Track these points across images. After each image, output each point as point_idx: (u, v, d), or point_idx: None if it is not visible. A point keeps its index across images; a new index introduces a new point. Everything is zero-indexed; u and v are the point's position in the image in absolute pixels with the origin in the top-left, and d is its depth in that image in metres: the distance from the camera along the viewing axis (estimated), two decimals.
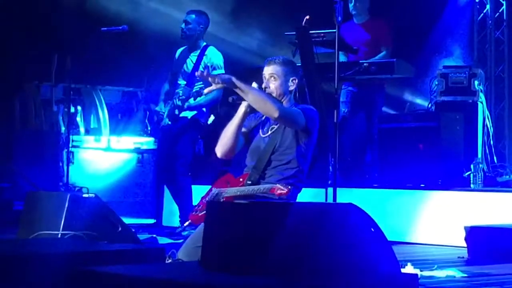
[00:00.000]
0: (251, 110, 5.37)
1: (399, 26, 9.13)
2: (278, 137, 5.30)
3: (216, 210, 3.79)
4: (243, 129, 5.45)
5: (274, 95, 5.33)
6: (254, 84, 5.36)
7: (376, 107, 8.81)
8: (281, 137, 5.30)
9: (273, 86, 5.35)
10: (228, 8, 10.46)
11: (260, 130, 5.40)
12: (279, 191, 4.98)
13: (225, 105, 7.76)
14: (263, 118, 5.44)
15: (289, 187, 5.04)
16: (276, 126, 5.35)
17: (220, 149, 5.43)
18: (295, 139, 5.30)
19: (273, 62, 5.45)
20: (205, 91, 5.86)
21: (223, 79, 5.12)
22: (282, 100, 5.37)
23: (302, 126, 5.24)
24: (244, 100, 5.26)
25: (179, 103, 7.76)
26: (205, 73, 5.32)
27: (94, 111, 10.12)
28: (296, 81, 5.46)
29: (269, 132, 5.35)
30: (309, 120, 5.30)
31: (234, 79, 5.12)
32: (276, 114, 5.11)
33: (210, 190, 5.28)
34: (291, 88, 5.41)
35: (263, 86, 5.36)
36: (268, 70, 5.42)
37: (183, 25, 7.92)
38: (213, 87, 5.23)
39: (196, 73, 5.77)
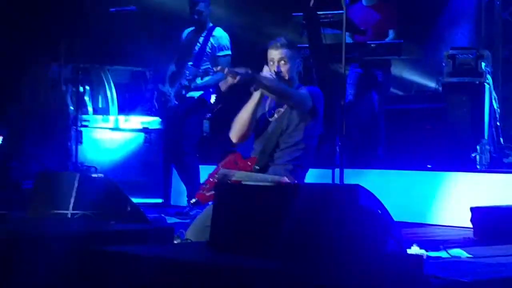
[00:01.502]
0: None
1: (408, 8, 9.11)
2: (285, 120, 5.34)
3: (224, 191, 3.81)
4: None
5: (286, 78, 5.36)
6: (266, 68, 5.40)
7: (382, 89, 8.79)
8: (288, 119, 5.34)
9: (284, 69, 5.37)
10: None
11: (267, 113, 5.42)
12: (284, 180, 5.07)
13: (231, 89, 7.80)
14: (268, 103, 5.47)
15: (295, 181, 5.15)
16: (282, 110, 5.38)
17: (235, 135, 5.45)
18: (302, 121, 5.33)
19: (281, 46, 5.44)
20: (216, 69, 5.82)
21: (243, 75, 5.11)
22: (292, 81, 5.41)
23: (310, 108, 5.29)
24: (257, 88, 5.31)
25: (186, 83, 7.78)
26: (225, 71, 5.31)
27: (102, 91, 10.14)
28: (301, 63, 5.52)
29: (276, 116, 5.38)
30: (316, 102, 5.35)
31: (254, 74, 5.17)
32: (292, 102, 5.23)
33: (218, 168, 5.29)
34: (298, 70, 5.48)
35: (273, 70, 5.38)
36: (277, 54, 5.42)
37: (194, 9, 7.86)
38: (230, 80, 5.21)
39: (215, 69, 5.71)
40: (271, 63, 5.39)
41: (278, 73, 5.35)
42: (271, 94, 5.24)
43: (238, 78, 5.12)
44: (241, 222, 3.39)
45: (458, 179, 7.55)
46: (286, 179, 5.09)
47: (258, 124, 5.45)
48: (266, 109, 5.45)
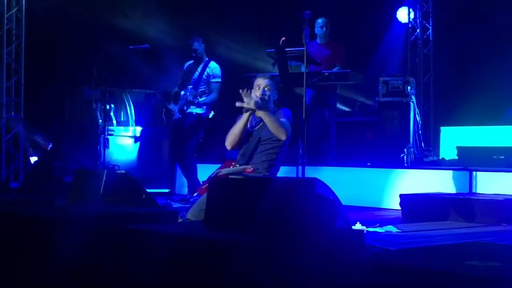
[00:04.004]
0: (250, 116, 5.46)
1: (352, 46, 9.15)
2: (263, 131, 5.38)
3: (215, 183, 3.82)
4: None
5: (266, 100, 5.42)
6: (253, 93, 5.43)
7: (331, 106, 8.81)
8: (265, 131, 5.37)
9: (267, 95, 5.43)
10: (224, 31, 10.51)
11: (249, 127, 5.45)
12: (248, 170, 5.26)
13: (221, 105, 7.82)
14: (256, 117, 5.47)
15: (256, 168, 5.27)
16: (260, 124, 5.42)
17: (229, 144, 5.53)
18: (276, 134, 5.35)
19: (267, 77, 5.57)
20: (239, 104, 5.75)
21: (257, 105, 5.24)
22: (270, 104, 5.46)
23: (287, 135, 5.34)
24: (248, 110, 5.33)
25: (189, 99, 7.77)
26: (250, 93, 5.35)
27: (124, 108, 10.12)
28: (277, 93, 5.58)
29: (256, 128, 5.44)
30: (290, 120, 5.41)
31: (262, 107, 5.28)
32: (283, 137, 5.29)
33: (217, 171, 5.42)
34: (275, 97, 5.53)
35: (259, 94, 5.42)
36: (264, 82, 5.49)
37: (191, 48, 7.88)
38: (245, 105, 5.27)
39: (239, 104, 5.48)
40: (257, 88, 5.44)
41: (262, 96, 5.39)
42: (269, 125, 5.26)
43: (252, 103, 5.24)
44: (228, 207, 3.38)
45: (391, 173, 7.60)
46: (249, 168, 5.27)
47: (248, 136, 5.49)
48: (248, 124, 5.47)
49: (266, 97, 5.41)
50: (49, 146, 9.75)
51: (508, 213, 5.98)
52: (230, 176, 4.84)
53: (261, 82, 5.50)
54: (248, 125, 5.47)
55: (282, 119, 5.34)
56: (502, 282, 2.06)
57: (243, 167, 5.33)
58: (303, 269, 2.87)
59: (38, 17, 9.84)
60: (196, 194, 5.44)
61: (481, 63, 9.94)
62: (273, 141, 5.36)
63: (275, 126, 5.24)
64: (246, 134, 5.46)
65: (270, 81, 5.51)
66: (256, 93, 5.40)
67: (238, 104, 5.38)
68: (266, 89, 5.44)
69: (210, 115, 7.88)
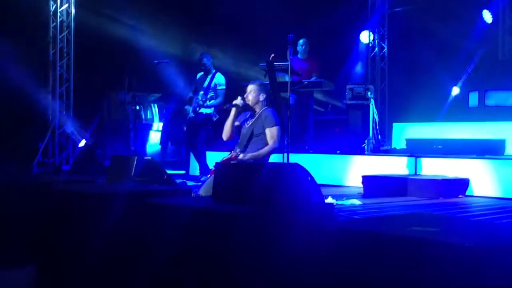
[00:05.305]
0: (238, 112, 5.45)
1: (326, 60, 9.16)
2: (254, 127, 5.37)
3: (220, 167, 3.82)
4: (236, 123, 5.49)
5: (251, 102, 5.38)
6: (239, 97, 5.44)
7: (309, 107, 8.80)
8: (256, 127, 5.36)
9: (251, 97, 5.40)
10: (228, 51, 10.50)
11: (246, 123, 5.46)
12: (233, 156, 5.23)
13: (223, 109, 7.79)
14: (247, 116, 5.48)
15: (237, 155, 5.21)
16: (251, 121, 5.41)
17: (224, 136, 5.55)
18: (265, 128, 5.36)
19: (251, 84, 5.52)
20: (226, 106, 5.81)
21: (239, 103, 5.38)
22: (256, 104, 5.40)
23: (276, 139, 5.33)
24: (234, 107, 5.32)
25: (200, 103, 7.75)
26: (239, 101, 5.43)
27: (149, 109, 10.11)
28: (264, 95, 5.49)
29: (249, 124, 5.43)
30: (278, 121, 5.40)
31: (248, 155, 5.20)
32: (275, 144, 5.27)
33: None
34: (261, 98, 5.45)
35: (245, 96, 5.41)
36: (249, 87, 5.48)
37: (201, 62, 7.83)
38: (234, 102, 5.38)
39: (225, 106, 5.71)
40: (246, 93, 5.42)
41: (244, 98, 5.41)
42: (259, 157, 5.21)
43: (239, 102, 5.33)
44: (231, 185, 3.37)
45: (355, 159, 7.60)
46: (234, 154, 5.24)
47: (240, 129, 5.49)
48: (235, 119, 5.48)
49: (250, 97, 5.39)
50: (90, 139, 9.74)
51: (444, 189, 6.02)
52: (231, 162, 4.85)
53: (248, 88, 5.50)
54: (236, 122, 5.45)
55: (271, 128, 5.27)
56: (437, 243, 2.08)
57: (230, 154, 5.33)
58: (288, 233, 2.86)
59: (83, 38, 9.90)
60: (208, 176, 5.42)
61: (425, 74, 10.01)
62: (262, 134, 5.34)
63: (264, 154, 5.20)
64: (239, 128, 5.45)
65: (255, 85, 5.47)
66: (249, 97, 5.41)
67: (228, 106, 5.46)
68: (251, 92, 5.42)
69: (215, 118, 7.85)
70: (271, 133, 5.27)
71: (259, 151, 5.24)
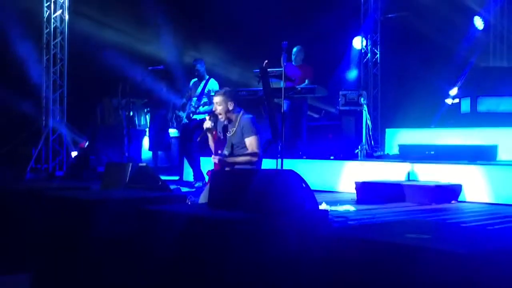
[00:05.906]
0: (214, 124, 5.19)
1: (320, 66, 9.18)
2: (234, 137, 5.19)
3: (215, 174, 3.80)
4: (218, 134, 5.29)
5: (221, 115, 5.12)
6: (207, 119, 5.18)
7: (302, 113, 8.80)
8: (235, 139, 5.18)
9: (219, 109, 5.14)
10: (223, 57, 10.52)
11: (227, 131, 5.27)
12: (215, 161, 5.04)
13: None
14: (225, 123, 5.26)
15: (220, 159, 5.00)
16: (232, 130, 5.18)
17: (211, 148, 5.36)
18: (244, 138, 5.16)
19: (216, 96, 5.20)
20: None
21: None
22: (228, 114, 5.13)
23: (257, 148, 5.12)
24: (207, 132, 5.15)
25: (192, 109, 7.75)
26: (210, 118, 5.17)
27: (143, 115, 10.10)
28: (232, 102, 5.11)
29: (230, 133, 5.23)
30: (257, 129, 5.17)
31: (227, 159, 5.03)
32: (256, 155, 5.03)
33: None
34: (230, 107, 5.13)
35: (213, 109, 5.16)
36: (214, 101, 5.20)
37: (195, 68, 7.82)
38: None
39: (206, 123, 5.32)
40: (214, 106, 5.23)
41: (214, 111, 5.12)
42: (242, 163, 5.04)
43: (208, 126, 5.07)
44: (226, 192, 3.37)
45: (348, 165, 7.61)
46: (216, 159, 5.04)
47: (224, 135, 5.33)
48: (214, 139, 5.25)
49: (219, 109, 5.10)
50: (86, 144, 9.72)
51: (437, 195, 6.04)
52: (226, 169, 4.80)
53: (214, 100, 5.19)
54: (218, 133, 5.23)
55: (249, 138, 5.04)
56: (431, 250, 2.10)
57: (214, 157, 5.14)
58: (282, 239, 2.86)
59: (77, 44, 9.89)
60: (197, 184, 5.30)
61: (417, 80, 10.05)
62: (243, 143, 5.13)
63: (246, 162, 5.01)
64: (222, 139, 5.24)
65: (219, 96, 5.11)
66: (218, 110, 5.14)
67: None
68: (217, 104, 5.12)
69: None
70: (249, 143, 5.05)
71: (238, 157, 5.06)
